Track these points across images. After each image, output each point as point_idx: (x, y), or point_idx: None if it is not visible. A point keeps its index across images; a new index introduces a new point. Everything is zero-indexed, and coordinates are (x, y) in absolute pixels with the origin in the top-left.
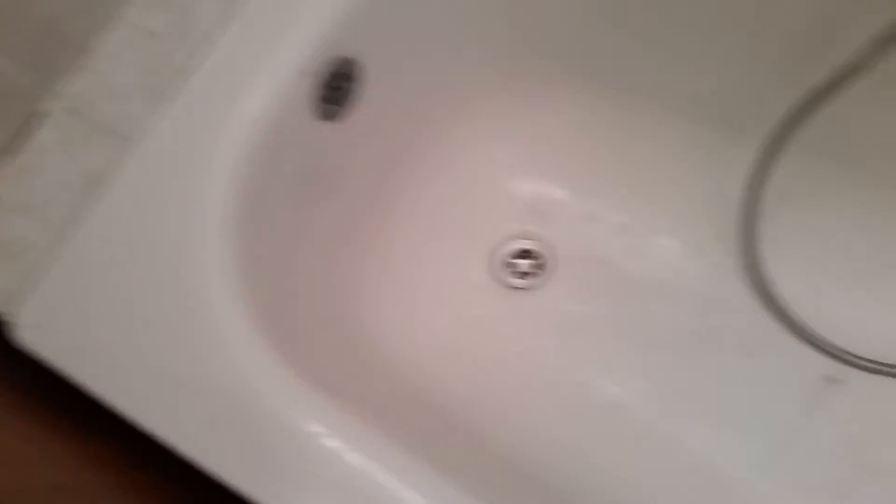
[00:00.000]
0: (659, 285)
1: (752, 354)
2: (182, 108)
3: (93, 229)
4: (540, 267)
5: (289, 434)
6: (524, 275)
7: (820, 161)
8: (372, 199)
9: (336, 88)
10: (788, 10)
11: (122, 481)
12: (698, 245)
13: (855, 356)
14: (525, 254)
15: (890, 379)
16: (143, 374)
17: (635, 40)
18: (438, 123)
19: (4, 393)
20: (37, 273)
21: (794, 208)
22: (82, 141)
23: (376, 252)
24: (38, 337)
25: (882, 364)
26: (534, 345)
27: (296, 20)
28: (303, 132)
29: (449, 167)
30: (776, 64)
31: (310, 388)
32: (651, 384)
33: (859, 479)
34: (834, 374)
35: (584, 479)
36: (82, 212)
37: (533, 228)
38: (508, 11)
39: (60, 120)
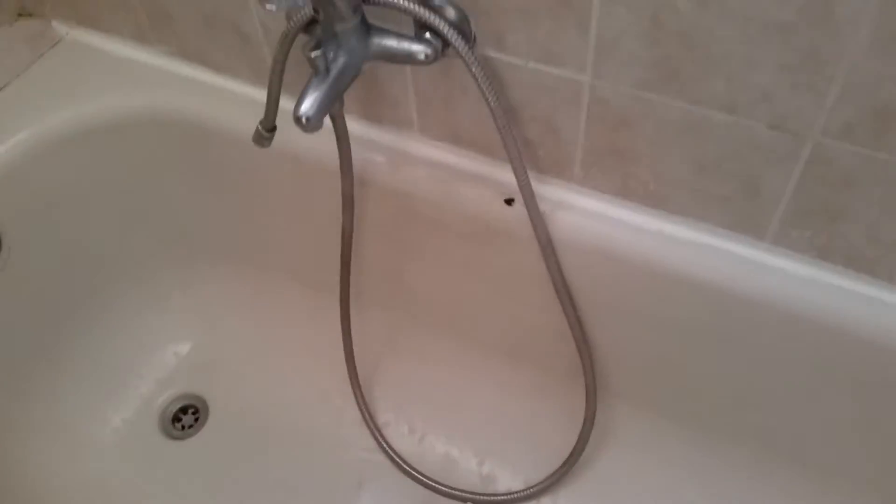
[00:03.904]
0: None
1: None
2: None
3: None
4: (198, 420)
5: None
6: (187, 427)
7: None
8: (32, 349)
9: None
10: None
11: None
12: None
13: (446, 486)
14: (186, 409)
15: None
16: None
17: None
18: (105, 291)
19: None
20: None
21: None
22: None
23: (37, 402)
24: None
25: (463, 491)
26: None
27: None
28: None
29: (120, 330)
30: None
31: None
32: None
33: None
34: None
35: None
36: None
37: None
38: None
39: None
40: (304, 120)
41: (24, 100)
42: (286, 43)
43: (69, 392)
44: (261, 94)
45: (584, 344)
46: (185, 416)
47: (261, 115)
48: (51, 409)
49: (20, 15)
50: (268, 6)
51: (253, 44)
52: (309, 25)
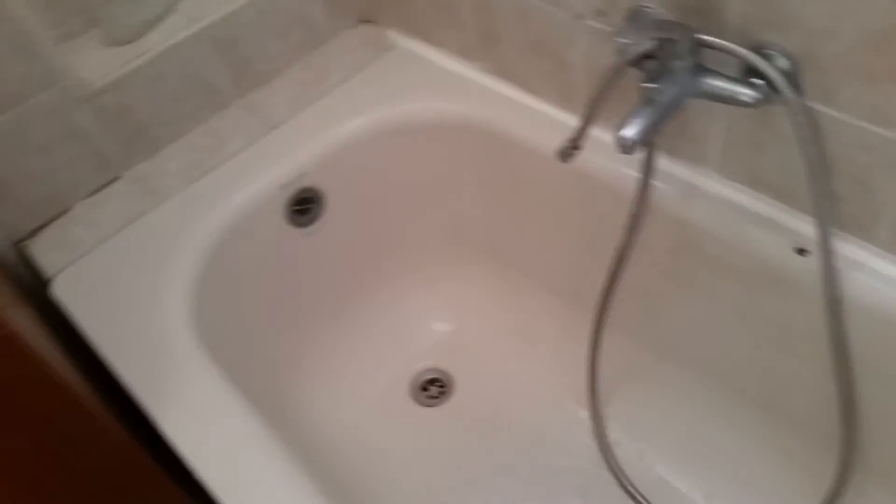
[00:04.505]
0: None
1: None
2: (195, 191)
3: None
4: (444, 393)
5: None
6: (431, 397)
7: None
8: (324, 301)
9: (305, 206)
10: None
11: None
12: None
13: None
14: (434, 381)
15: None
16: None
17: None
18: (387, 267)
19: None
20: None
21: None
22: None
23: (319, 346)
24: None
25: None
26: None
27: (281, 157)
28: (272, 229)
29: (393, 303)
30: None
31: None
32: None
33: None
34: None
35: None
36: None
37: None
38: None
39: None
40: (626, 142)
41: (360, 93)
42: (617, 73)
43: (345, 349)
44: (562, 116)
45: (851, 413)
46: (433, 388)
47: (561, 134)
48: (328, 362)
49: (362, 21)
50: (621, 40)
51: (570, 71)
52: (640, 60)
